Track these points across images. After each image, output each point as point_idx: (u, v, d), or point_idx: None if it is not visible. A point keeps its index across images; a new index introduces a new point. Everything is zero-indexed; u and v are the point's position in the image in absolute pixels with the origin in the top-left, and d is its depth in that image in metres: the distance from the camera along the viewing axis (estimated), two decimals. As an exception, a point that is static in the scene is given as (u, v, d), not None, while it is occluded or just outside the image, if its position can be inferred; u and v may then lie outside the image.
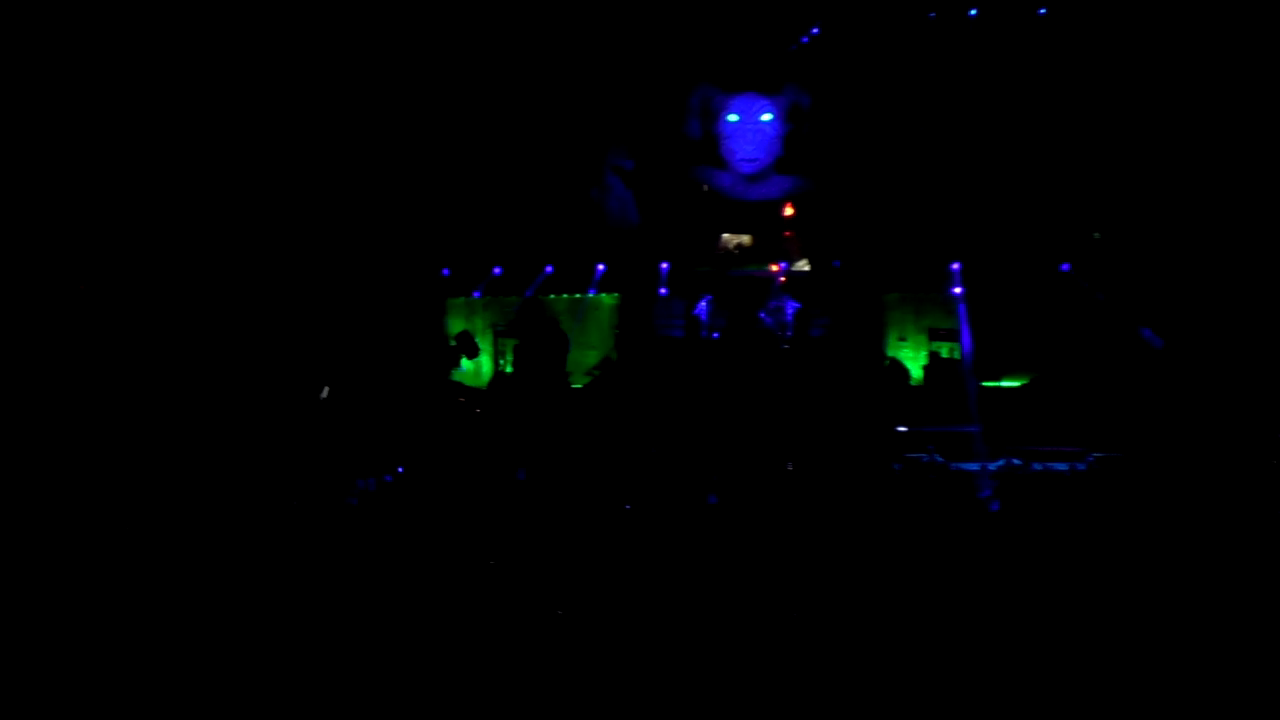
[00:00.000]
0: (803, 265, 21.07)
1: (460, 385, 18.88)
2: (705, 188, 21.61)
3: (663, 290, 20.74)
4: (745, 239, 21.19)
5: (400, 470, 12.39)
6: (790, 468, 12.30)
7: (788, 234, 21.12)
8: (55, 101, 15.31)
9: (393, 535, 9.16)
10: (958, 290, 19.65)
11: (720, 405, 15.99)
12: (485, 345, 20.63)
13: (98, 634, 6.58)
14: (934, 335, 20.10)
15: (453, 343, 19.32)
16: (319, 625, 6.77)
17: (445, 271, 22.16)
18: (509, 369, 19.33)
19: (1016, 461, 12.60)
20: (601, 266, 21.55)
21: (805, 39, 21.89)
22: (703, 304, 20.35)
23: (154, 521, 9.64)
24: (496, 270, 21.65)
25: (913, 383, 19.15)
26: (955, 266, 20.18)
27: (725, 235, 21.32)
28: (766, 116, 21.84)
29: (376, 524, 9.72)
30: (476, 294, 21.72)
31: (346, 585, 7.54)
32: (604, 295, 21.70)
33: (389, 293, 19.41)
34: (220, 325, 17.11)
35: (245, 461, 12.32)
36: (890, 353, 20.26)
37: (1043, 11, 20.80)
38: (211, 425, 14.38)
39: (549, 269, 20.76)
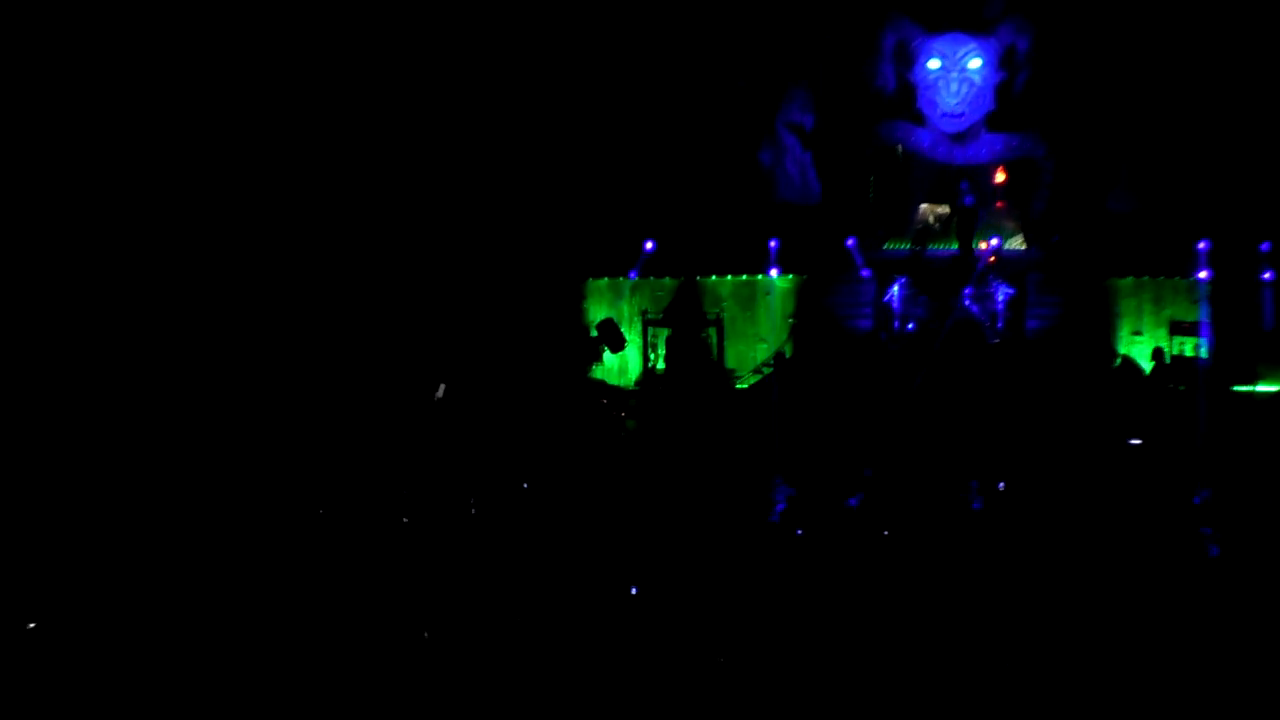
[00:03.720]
0: (1017, 243, 19.82)
1: (602, 384, 17.84)
2: (899, 149, 20.40)
3: (864, 271, 19.46)
4: (948, 210, 19.97)
5: (525, 487, 11.07)
6: (1001, 487, 10.87)
7: (1000, 204, 19.78)
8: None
9: (510, 562, 8.47)
10: (1204, 275, 18.50)
11: (916, 412, 14.96)
12: (633, 336, 18.91)
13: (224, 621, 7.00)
14: (1176, 329, 18.34)
15: (594, 333, 17.96)
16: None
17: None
18: (660, 365, 18.76)
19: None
20: (774, 243, 19.57)
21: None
22: (895, 289, 19.17)
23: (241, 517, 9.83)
24: (648, 246, 19.70)
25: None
26: (1203, 246, 18.56)
27: (924, 206, 20.28)
28: (975, 62, 19.85)
29: (490, 549, 8.96)
30: (633, 274, 20.05)
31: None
32: (777, 278, 19.75)
33: (518, 273, 18.92)
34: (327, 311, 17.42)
35: (343, 469, 11.73)
36: (1122, 350, 18.45)
37: None
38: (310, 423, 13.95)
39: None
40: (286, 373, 15.87)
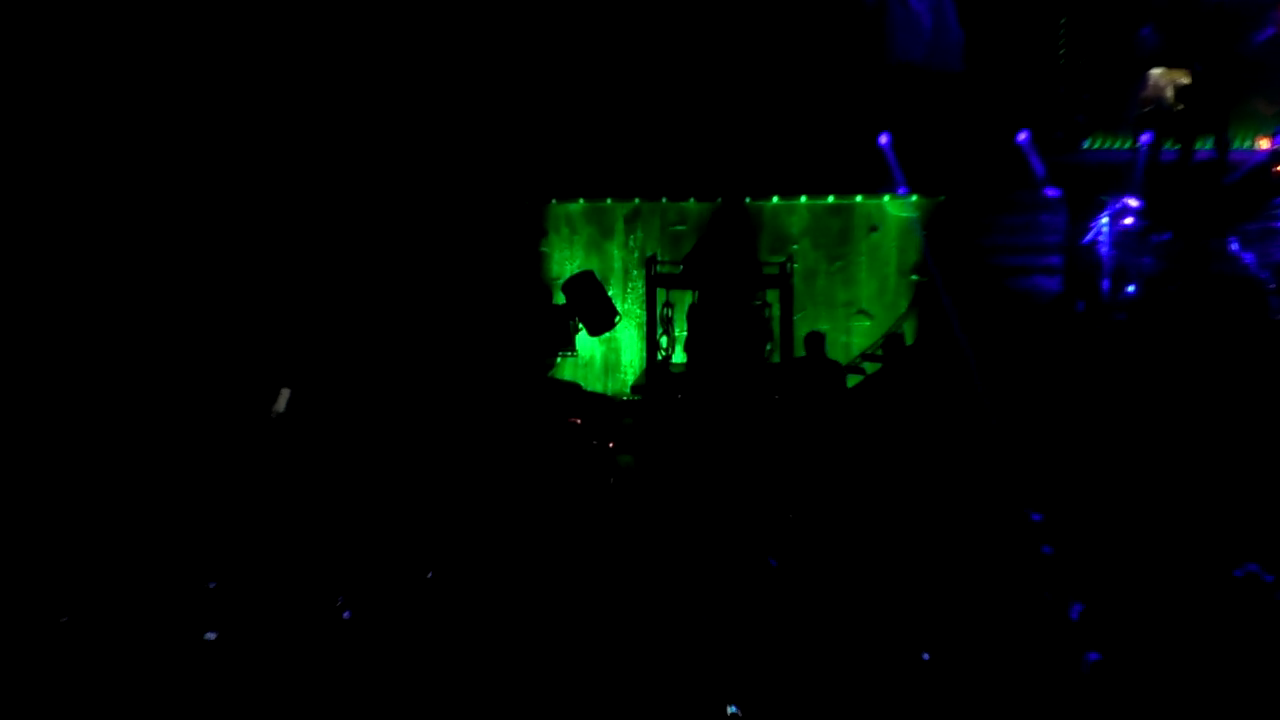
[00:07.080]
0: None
1: (575, 389, 14.32)
2: (1106, -25, 16.36)
3: (1049, 190, 15.03)
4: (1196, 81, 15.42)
5: (430, 576, 8.77)
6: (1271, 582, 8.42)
7: (1288, 74, 15.71)
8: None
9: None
10: None
11: (1142, 433, 10.86)
12: (629, 305, 15.54)
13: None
14: None
15: (560, 298, 14.69)
16: None
17: None
18: (678, 355, 15.12)
19: None
20: (886, 139, 14.71)
21: None
22: (1105, 221, 14.27)
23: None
24: (656, 144, 15.59)
25: None
26: None
27: (1155, 72, 15.03)
28: None
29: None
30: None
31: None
32: (889, 201, 15.26)
33: (422, 190, 15.00)
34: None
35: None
36: None
37: None
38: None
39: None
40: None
